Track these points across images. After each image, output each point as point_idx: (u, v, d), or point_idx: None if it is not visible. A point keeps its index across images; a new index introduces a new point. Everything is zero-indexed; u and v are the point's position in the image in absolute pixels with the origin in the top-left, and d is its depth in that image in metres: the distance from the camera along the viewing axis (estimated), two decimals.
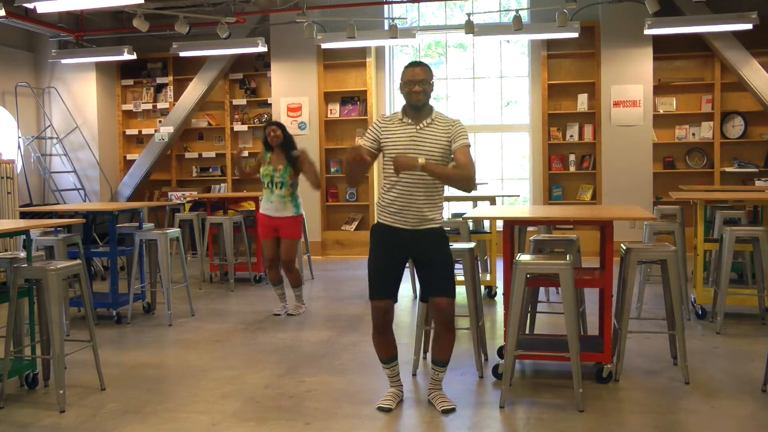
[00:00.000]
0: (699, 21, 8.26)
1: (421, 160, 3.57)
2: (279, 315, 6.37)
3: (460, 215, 7.36)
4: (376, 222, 3.90)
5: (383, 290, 3.81)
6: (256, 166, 6.52)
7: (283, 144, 6.25)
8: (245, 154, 6.36)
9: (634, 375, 4.40)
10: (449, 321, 3.81)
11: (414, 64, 3.77)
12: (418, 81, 3.68)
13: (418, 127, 3.72)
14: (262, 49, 9.07)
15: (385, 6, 9.59)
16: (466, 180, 3.68)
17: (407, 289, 7.01)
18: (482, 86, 10.52)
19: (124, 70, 10.93)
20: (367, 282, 3.96)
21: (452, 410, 3.82)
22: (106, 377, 4.38)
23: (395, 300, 3.86)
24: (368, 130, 3.84)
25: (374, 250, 3.86)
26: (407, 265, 3.89)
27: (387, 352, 3.93)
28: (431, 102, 3.83)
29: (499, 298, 6.70)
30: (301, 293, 6.51)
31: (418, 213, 3.72)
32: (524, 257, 4.08)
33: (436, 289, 3.78)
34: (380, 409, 3.86)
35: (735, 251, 5.56)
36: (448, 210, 9.17)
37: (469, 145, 3.73)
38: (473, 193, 8.08)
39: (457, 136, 3.71)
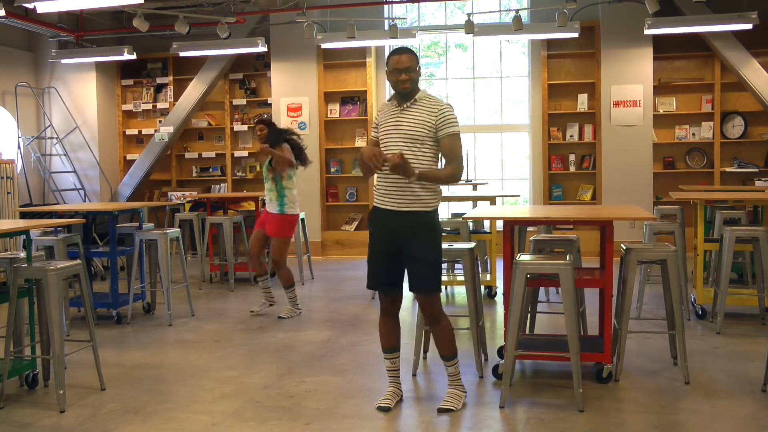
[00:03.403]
0: (699, 21, 8.26)
1: (413, 175, 3.60)
2: (254, 312, 6.34)
3: (460, 215, 7.37)
4: (372, 206, 3.88)
5: (379, 282, 3.86)
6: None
7: (267, 140, 6.32)
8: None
9: (634, 375, 4.40)
10: (431, 314, 3.86)
11: (399, 51, 3.73)
12: (403, 69, 3.67)
13: (401, 108, 3.74)
14: (262, 49, 9.07)
15: (385, 6, 9.59)
16: (453, 177, 3.74)
17: (407, 289, 6.99)
18: (482, 86, 10.52)
19: (124, 70, 10.93)
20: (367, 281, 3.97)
21: (447, 410, 3.81)
22: (106, 377, 4.38)
23: (397, 292, 3.87)
24: (373, 121, 3.91)
25: (371, 239, 3.90)
26: None
27: (390, 339, 3.93)
28: (422, 86, 3.86)
29: (499, 298, 6.70)
30: (294, 295, 6.35)
31: (409, 192, 3.69)
32: (524, 257, 4.08)
33: (414, 284, 3.83)
34: (379, 408, 3.86)
35: (735, 251, 5.56)
36: (449, 210, 9.17)
37: (456, 134, 3.70)
38: (473, 193, 8.08)
39: (444, 123, 3.67)
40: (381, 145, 3.76)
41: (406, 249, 3.75)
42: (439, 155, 3.76)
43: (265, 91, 10.63)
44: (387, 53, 10.27)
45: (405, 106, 3.74)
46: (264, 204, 6.53)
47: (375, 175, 3.81)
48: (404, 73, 3.67)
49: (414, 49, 3.85)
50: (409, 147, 3.67)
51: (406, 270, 3.83)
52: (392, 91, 3.83)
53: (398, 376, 4.02)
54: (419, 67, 3.75)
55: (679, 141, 9.76)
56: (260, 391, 4.23)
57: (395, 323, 3.96)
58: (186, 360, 5.00)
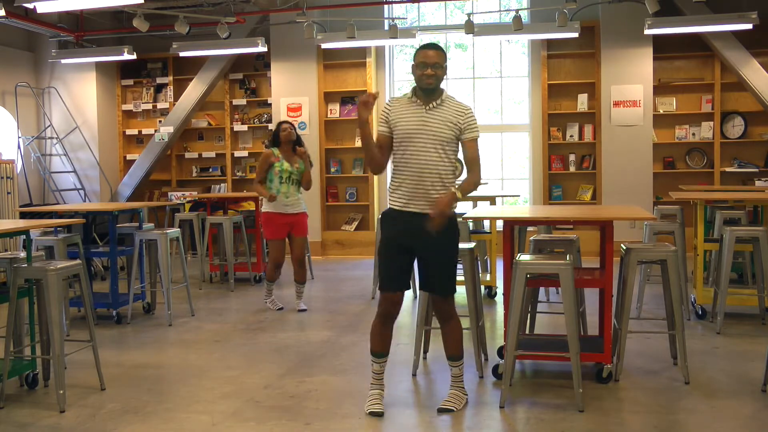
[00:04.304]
0: (699, 21, 8.26)
1: (458, 194, 3.65)
2: (266, 302, 6.60)
3: (460, 215, 7.36)
4: (387, 207, 3.83)
5: (394, 282, 3.77)
6: (264, 167, 6.42)
7: (294, 141, 6.46)
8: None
9: (634, 375, 4.40)
10: (446, 315, 3.84)
11: (428, 46, 3.69)
12: (430, 64, 3.63)
13: (427, 108, 3.68)
14: (262, 49, 9.08)
15: (385, 6, 9.58)
16: (478, 184, 3.86)
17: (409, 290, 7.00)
18: (482, 86, 10.52)
19: (124, 70, 10.93)
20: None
21: (447, 411, 3.80)
22: (106, 377, 4.38)
23: (407, 288, 3.84)
24: (380, 115, 3.80)
25: (384, 239, 3.82)
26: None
27: (384, 344, 3.86)
28: (442, 85, 3.78)
29: (499, 298, 6.70)
30: (302, 292, 6.61)
31: (429, 196, 3.66)
32: (524, 257, 4.07)
33: (432, 286, 3.82)
34: (373, 414, 3.78)
35: (735, 251, 5.56)
36: None
37: (478, 139, 3.78)
38: (473, 193, 8.08)
39: (468, 126, 3.71)
40: (405, 144, 3.67)
41: (425, 251, 3.72)
42: (456, 157, 3.79)
43: (265, 91, 10.63)
44: (387, 53, 10.34)
45: (431, 105, 3.69)
46: (270, 208, 6.48)
47: (392, 175, 3.75)
48: (431, 68, 3.62)
49: (444, 47, 3.78)
50: (436, 148, 3.66)
51: (421, 269, 3.80)
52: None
53: (383, 378, 3.92)
54: (446, 65, 3.71)
55: (679, 141, 9.76)
56: (260, 391, 4.23)
57: (391, 328, 3.88)
58: (186, 360, 5.00)
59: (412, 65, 3.71)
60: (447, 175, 3.70)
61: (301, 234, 6.51)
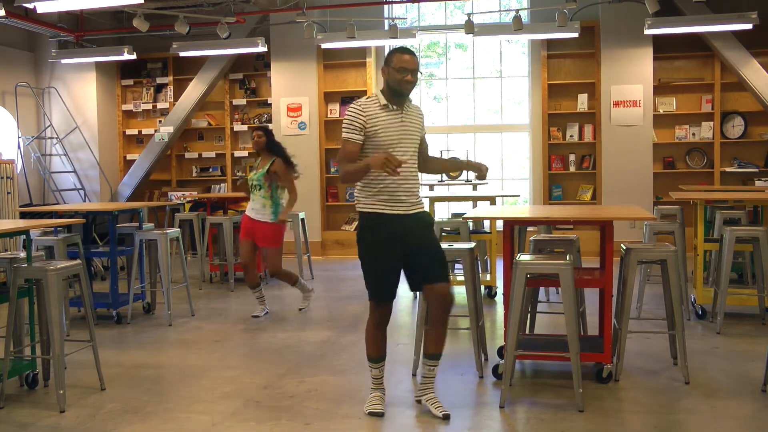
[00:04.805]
0: (699, 21, 8.26)
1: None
2: (258, 317, 6.27)
3: (460, 215, 7.36)
4: (367, 213, 3.73)
5: (389, 292, 3.81)
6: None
7: (268, 148, 6.31)
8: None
9: (634, 375, 4.40)
10: (449, 307, 3.78)
11: (405, 51, 3.69)
12: (410, 70, 3.64)
13: (403, 114, 3.72)
14: (262, 49, 9.08)
15: (385, 6, 9.59)
16: None
17: (407, 289, 6.98)
18: (482, 86, 10.52)
19: (124, 70, 10.93)
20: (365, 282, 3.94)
21: (449, 415, 3.75)
22: (106, 377, 4.38)
23: (393, 299, 3.87)
24: (351, 122, 3.64)
25: (375, 247, 3.74)
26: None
27: (380, 349, 3.88)
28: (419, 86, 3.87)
29: (499, 298, 6.70)
30: (302, 285, 6.46)
31: (410, 194, 3.72)
32: (524, 257, 4.07)
33: (438, 275, 3.74)
34: (373, 414, 3.78)
35: (735, 251, 5.55)
36: (449, 210, 9.18)
37: None
38: (473, 193, 8.06)
39: (423, 125, 3.91)
40: (389, 151, 3.62)
41: (419, 243, 3.72)
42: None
43: (265, 91, 10.64)
44: (387, 53, 10.32)
45: (405, 111, 3.73)
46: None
47: (366, 182, 3.72)
48: (410, 74, 3.64)
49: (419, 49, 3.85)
50: (414, 151, 3.76)
51: (418, 265, 3.75)
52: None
53: (383, 381, 3.93)
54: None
55: (679, 141, 9.76)
56: (260, 391, 4.23)
57: (385, 331, 3.93)
58: (186, 360, 5.00)
59: (389, 68, 3.66)
60: (416, 173, 3.84)
61: (262, 244, 6.25)
